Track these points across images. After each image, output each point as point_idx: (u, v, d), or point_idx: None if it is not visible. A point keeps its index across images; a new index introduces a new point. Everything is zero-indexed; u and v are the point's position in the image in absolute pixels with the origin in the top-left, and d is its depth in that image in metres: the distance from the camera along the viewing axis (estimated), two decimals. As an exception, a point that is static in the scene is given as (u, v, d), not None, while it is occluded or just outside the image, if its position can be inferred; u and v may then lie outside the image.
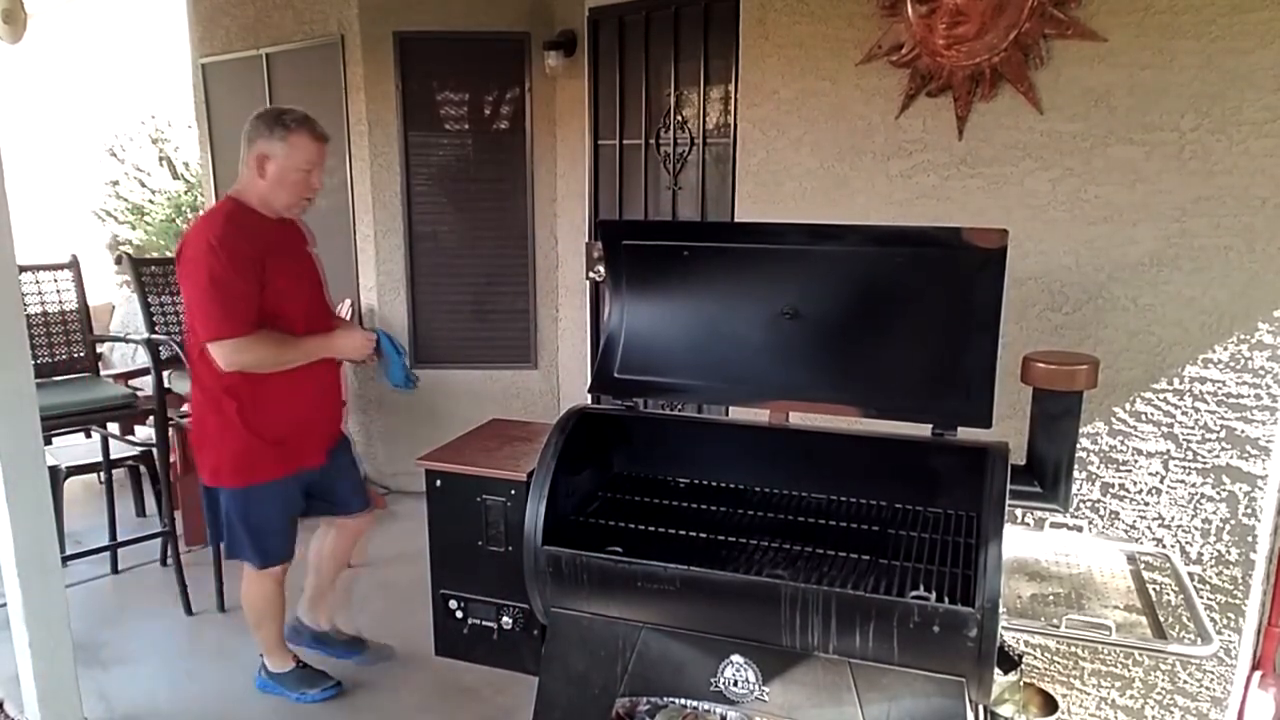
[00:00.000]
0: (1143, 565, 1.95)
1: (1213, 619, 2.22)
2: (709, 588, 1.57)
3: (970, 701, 1.49)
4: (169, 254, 6.93)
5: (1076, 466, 2.05)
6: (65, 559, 3.06)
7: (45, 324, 3.83)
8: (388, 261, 4.29)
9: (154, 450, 3.56)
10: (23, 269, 3.17)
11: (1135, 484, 2.31)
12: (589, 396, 2.22)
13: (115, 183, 7.53)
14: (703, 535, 1.78)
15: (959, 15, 2.31)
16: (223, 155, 4.92)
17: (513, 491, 1.99)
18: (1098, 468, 2.35)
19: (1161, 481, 2.27)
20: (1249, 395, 2.13)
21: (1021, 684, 2.25)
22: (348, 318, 2.41)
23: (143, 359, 4.44)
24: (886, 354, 1.86)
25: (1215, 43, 2.06)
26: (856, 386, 1.84)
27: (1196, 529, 2.24)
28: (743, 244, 2.00)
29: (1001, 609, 1.42)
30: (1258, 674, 2.32)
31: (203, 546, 3.64)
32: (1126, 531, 2.33)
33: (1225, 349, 2.14)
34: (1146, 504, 2.30)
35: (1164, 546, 2.25)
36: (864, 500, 1.90)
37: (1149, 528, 2.30)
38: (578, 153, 3.96)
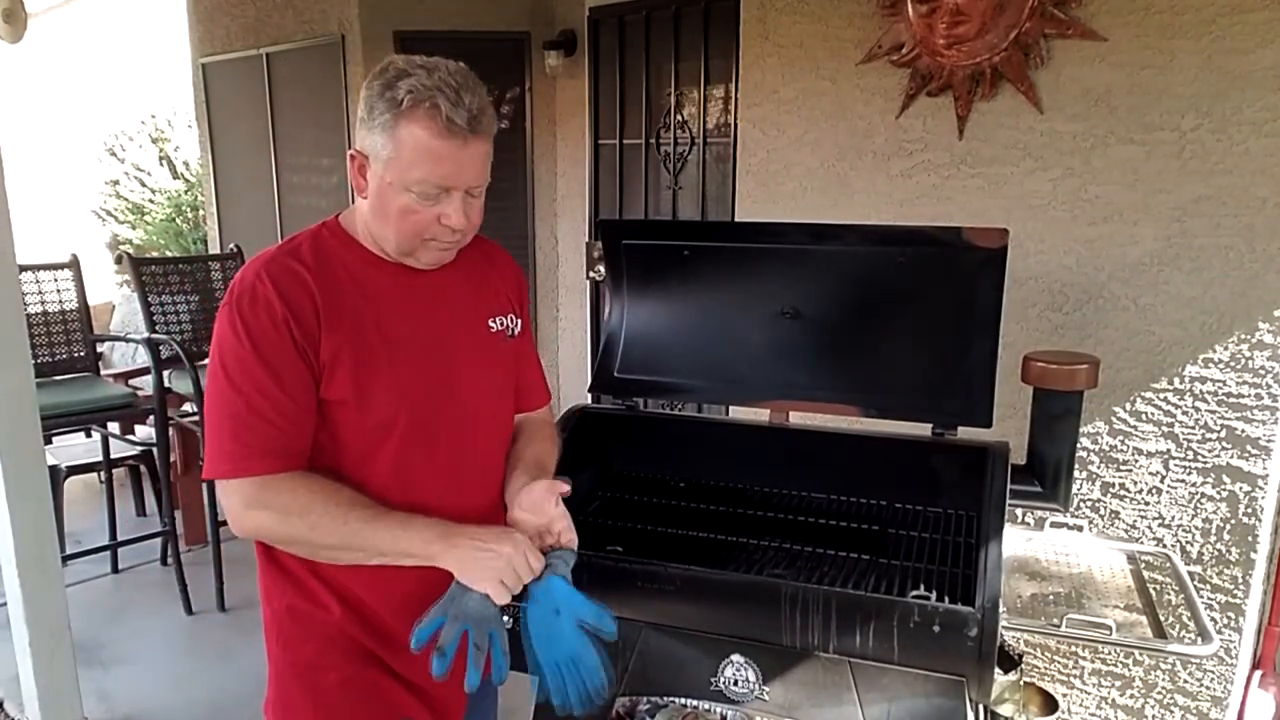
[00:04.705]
0: (1143, 565, 1.95)
1: (1213, 618, 2.22)
2: (709, 587, 1.56)
3: (970, 701, 1.48)
4: (169, 253, 6.93)
5: (1077, 466, 2.05)
6: (65, 559, 3.06)
7: (45, 324, 3.82)
8: (388, 261, 4.28)
9: (154, 450, 3.56)
10: (23, 269, 3.17)
11: (1135, 483, 2.31)
12: (589, 396, 2.22)
13: (115, 182, 7.52)
14: (703, 535, 1.77)
15: (959, 15, 2.31)
16: (223, 154, 4.91)
17: (513, 491, 1.98)
18: (1098, 467, 2.35)
19: (1162, 481, 2.27)
20: (1249, 395, 2.13)
21: (1022, 683, 2.25)
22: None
23: (143, 358, 4.43)
24: (887, 354, 1.85)
25: (1215, 43, 2.06)
26: (856, 386, 1.84)
27: (1197, 528, 2.24)
28: (743, 244, 2.00)
29: (1002, 608, 1.42)
30: (1258, 673, 2.32)
31: (203, 546, 3.64)
32: (1127, 531, 2.33)
33: (1225, 349, 2.14)
34: (1147, 503, 2.30)
35: (1164, 546, 2.25)
36: (864, 500, 1.89)
37: (1149, 527, 2.30)
38: (578, 152, 3.96)
